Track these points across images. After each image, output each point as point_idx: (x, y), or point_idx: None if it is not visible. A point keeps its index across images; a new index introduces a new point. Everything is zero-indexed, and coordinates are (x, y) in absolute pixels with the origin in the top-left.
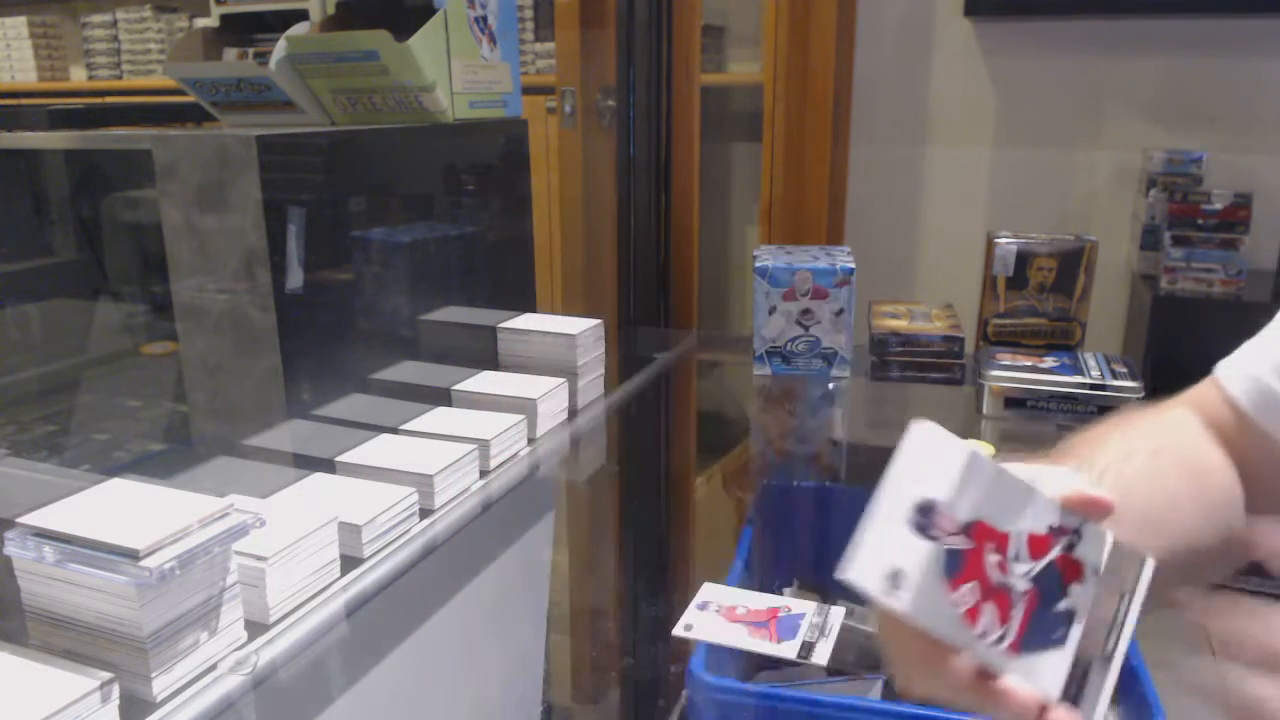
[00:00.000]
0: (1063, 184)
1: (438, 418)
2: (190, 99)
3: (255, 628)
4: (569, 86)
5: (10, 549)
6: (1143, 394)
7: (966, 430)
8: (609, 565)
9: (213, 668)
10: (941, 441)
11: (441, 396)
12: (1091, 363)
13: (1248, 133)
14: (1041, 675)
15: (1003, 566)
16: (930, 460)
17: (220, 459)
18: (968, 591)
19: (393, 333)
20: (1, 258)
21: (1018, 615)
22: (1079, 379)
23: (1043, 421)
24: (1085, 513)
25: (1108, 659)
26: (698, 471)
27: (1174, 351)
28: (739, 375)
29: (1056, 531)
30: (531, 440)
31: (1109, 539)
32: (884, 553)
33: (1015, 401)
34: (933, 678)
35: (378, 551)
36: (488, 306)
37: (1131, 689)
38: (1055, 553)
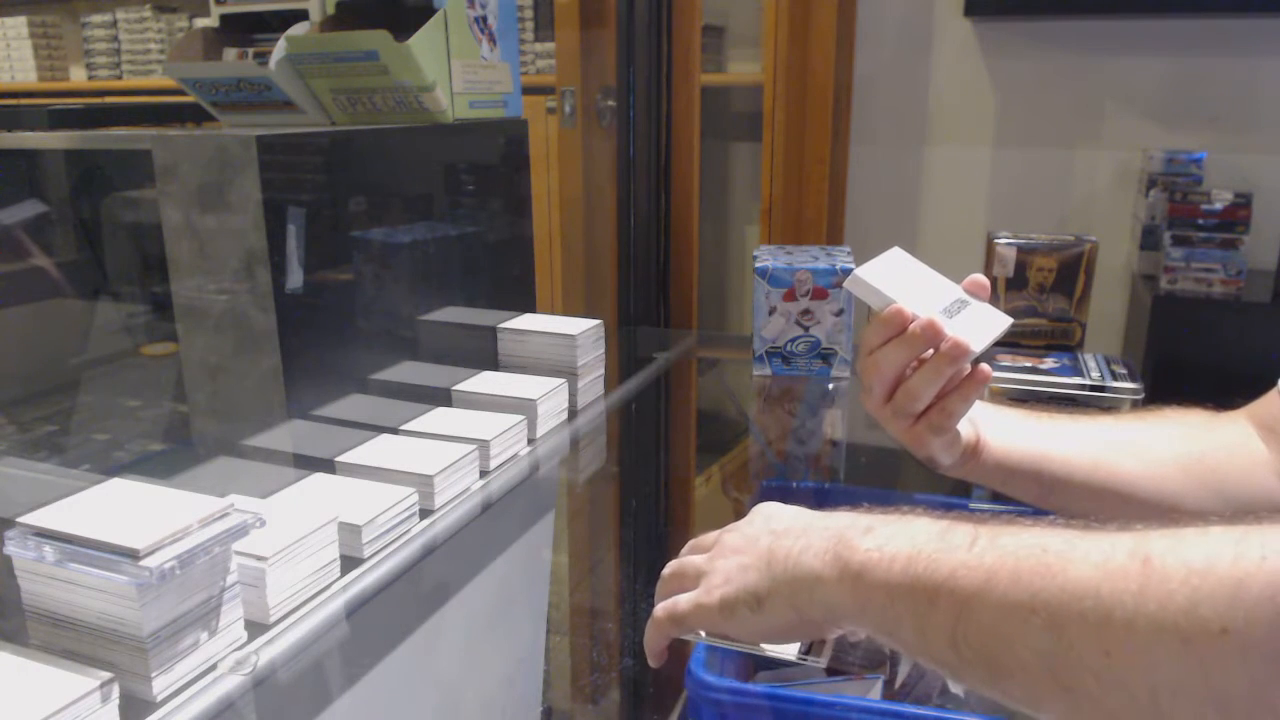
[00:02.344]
0: (1063, 184)
1: (438, 418)
2: (190, 99)
3: (255, 628)
4: (569, 86)
5: (10, 549)
6: (1142, 395)
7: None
8: (609, 565)
9: (213, 668)
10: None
11: (441, 397)
12: (1091, 364)
13: (1248, 133)
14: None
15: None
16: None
17: (220, 459)
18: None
19: (393, 333)
20: (1, 258)
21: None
22: (1079, 380)
23: None
24: (975, 292)
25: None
26: (698, 471)
27: (1174, 351)
28: (739, 375)
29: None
30: (531, 440)
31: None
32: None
33: (1015, 402)
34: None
35: (378, 552)
36: (488, 306)
37: None
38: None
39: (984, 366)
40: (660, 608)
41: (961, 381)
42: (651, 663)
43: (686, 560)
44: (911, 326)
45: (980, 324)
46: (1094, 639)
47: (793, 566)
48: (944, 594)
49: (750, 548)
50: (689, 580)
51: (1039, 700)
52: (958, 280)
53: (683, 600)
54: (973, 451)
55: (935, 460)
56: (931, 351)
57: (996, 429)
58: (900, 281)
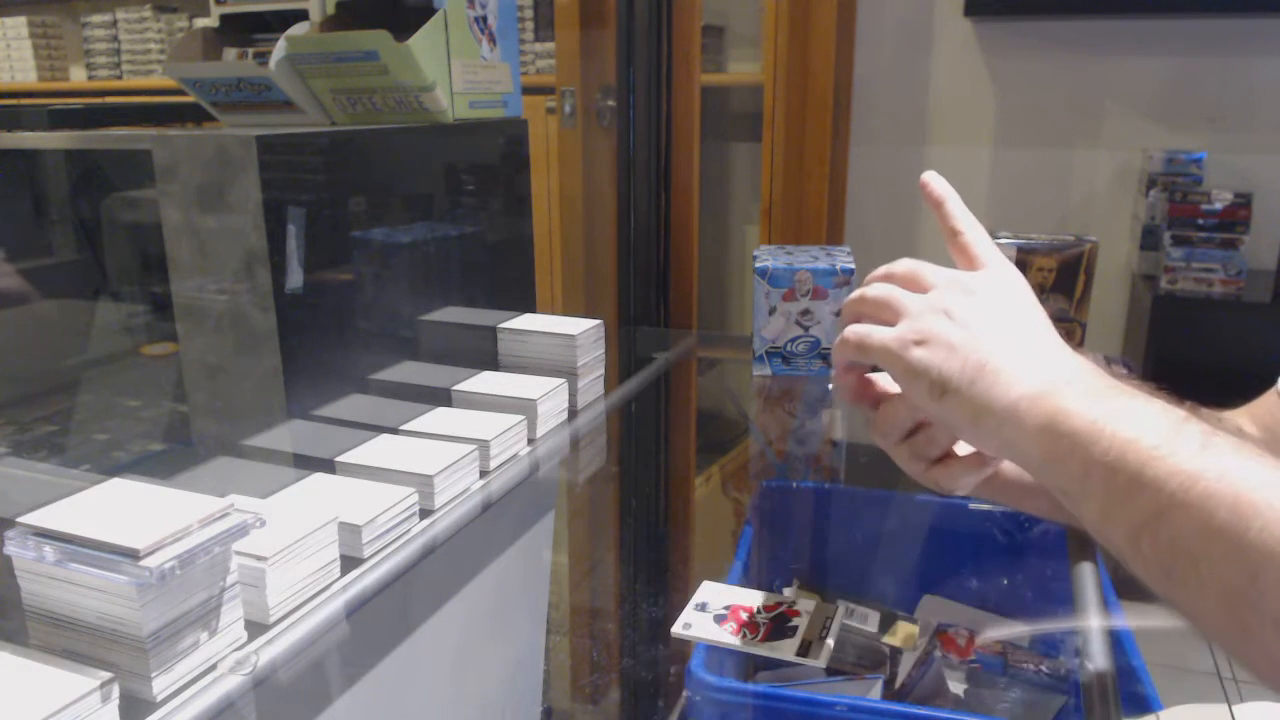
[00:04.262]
0: (1063, 184)
1: (438, 418)
2: (190, 99)
3: (255, 628)
4: (569, 86)
5: (10, 549)
6: None
7: None
8: (609, 565)
9: (213, 668)
10: None
11: (441, 397)
12: None
13: (1248, 133)
14: None
15: None
16: None
17: (220, 459)
18: None
19: (393, 333)
20: (1, 258)
21: None
22: None
23: None
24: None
25: None
26: (698, 471)
27: (1174, 351)
28: (739, 375)
29: None
30: (531, 441)
31: None
32: None
33: None
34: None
35: (378, 552)
36: (488, 306)
37: (1131, 688)
38: None
39: None
40: (852, 330)
41: None
42: (836, 388)
43: (898, 296)
44: None
45: None
46: None
47: (997, 392)
48: (1149, 492)
49: (967, 327)
50: (888, 313)
51: (1202, 620)
52: None
53: (875, 336)
54: (986, 478)
55: (947, 492)
56: None
57: None
58: None
